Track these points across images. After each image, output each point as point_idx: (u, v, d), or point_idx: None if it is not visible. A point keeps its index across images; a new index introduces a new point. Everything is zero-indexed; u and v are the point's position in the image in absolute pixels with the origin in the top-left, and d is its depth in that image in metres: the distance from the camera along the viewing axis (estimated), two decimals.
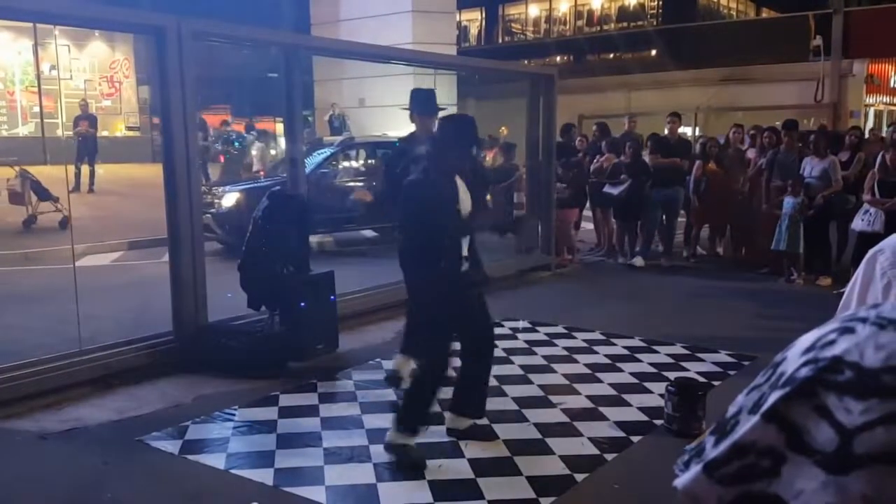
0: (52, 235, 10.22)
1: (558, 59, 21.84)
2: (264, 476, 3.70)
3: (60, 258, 8.21)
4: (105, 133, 18.57)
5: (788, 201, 8.15)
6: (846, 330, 0.56)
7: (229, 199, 9.74)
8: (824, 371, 0.54)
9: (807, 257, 8.32)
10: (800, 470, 0.52)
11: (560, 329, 6.41)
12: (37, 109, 19.00)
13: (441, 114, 5.07)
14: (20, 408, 4.51)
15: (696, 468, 0.57)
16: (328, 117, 17.07)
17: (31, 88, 19.75)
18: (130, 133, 21.82)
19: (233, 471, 3.78)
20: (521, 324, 6.59)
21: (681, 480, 0.58)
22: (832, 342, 0.56)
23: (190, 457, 3.95)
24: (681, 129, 10.40)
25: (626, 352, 5.81)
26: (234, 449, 4.04)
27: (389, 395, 4.83)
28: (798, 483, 0.52)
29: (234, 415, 4.52)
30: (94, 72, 21.40)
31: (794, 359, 0.57)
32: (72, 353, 5.02)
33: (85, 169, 14.15)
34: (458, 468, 3.78)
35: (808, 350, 0.57)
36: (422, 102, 5.27)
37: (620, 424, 4.34)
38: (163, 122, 5.52)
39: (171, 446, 4.07)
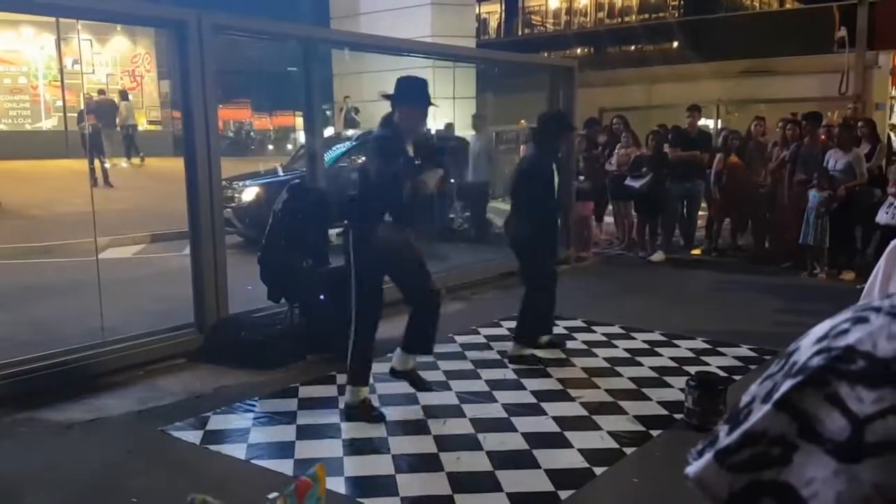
0: (74, 229, 10.34)
1: (578, 51, 21.71)
2: (284, 466, 3.74)
3: (83, 251, 8.30)
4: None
5: (814, 195, 8.06)
6: (859, 319, 0.56)
7: (249, 193, 9.81)
8: (837, 360, 0.54)
9: (830, 251, 8.24)
10: (811, 458, 0.52)
11: (579, 323, 6.39)
12: (60, 104, 19.21)
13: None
14: (46, 398, 4.58)
15: (707, 456, 0.58)
16: (343, 111, 17.13)
17: (55, 83, 19.96)
18: (152, 127, 22.00)
19: (253, 461, 3.83)
20: None
21: (692, 468, 0.59)
22: (845, 331, 0.56)
23: (211, 447, 3.99)
24: (702, 122, 10.30)
25: (645, 346, 5.78)
26: (254, 439, 4.08)
27: (407, 387, 4.85)
28: (809, 471, 0.52)
29: (254, 406, 4.56)
30: (116, 66, 21.59)
31: (806, 348, 0.58)
32: (95, 344, 5.10)
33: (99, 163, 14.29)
34: (476, 461, 3.80)
35: (820, 339, 0.57)
36: (411, 91, 4.36)
37: (640, 418, 4.33)
38: (184, 115, 5.57)
39: (193, 436, 4.12)
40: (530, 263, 5.46)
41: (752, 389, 0.59)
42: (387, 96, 4.27)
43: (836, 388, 0.53)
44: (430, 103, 4.34)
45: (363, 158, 4.52)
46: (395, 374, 4.64)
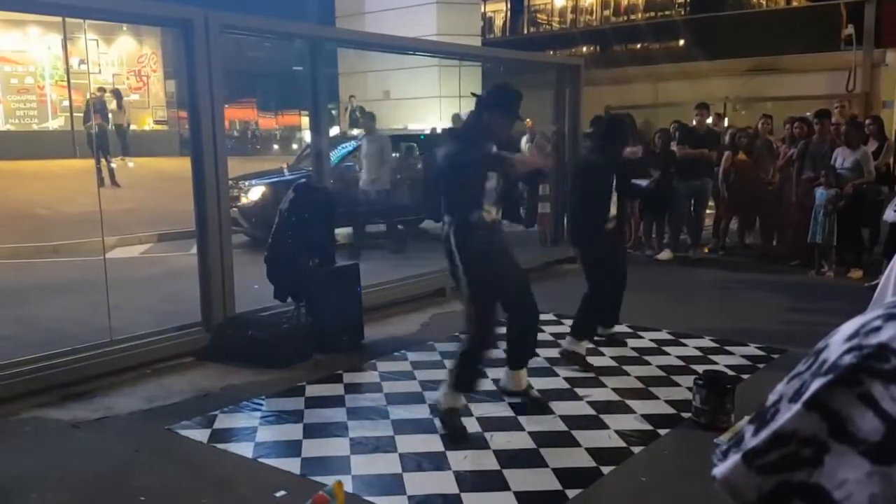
0: (82, 228, 10.37)
1: (584, 49, 21.67)
2: (291, 465, 3.73)
3: (91, 250, 8.32)
4: (133, 127, 18.79)
5: (821, 193, 8.02)
6: (892, 317, 0.55)
7: (255, 192, 9.81)
8: (869, 358, 0.53)
9: (838, 250, 8.20)
10: (843, 459, 0.51)
11: None
12: (66, 104, 19.25)
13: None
14: (53, 397, 4.59)
15: (734, 457, 0.56)
16: (348, 111, 17.14)
17: (61, 83, 20.01)
18: (158, 127, 22.04)
19: (260, 459, 3.82)
20: (547, 316, 6.56)
21: (719, 470, 0.57)
22: (877, 329, 0.54)
23: (218, 445, 3.99)
24: (708, 120, 10.27)
25: (653, 345, 5.76)
26: (261, 438, 4.07)
27: (414, 385, 4.85)
28: (841, 473, 0.51)
29: (261, 404, 4.56)
30: (123, 66, 21.63)
31: (836, 346, 0.56)
32: (103, 343, 5.10)
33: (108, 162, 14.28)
34: (484, 459, 3.78)
35: (851, 337, 0.56)
36: (503, 100, 4.23)
37: (648, 417, 4.31)
38: (190, 115, 5.57)
39: (200, 435, 4.11)
40: (591, 260, 5.35)
41: (779, 388, 0.58)
42: (475, 96, 4.26)
43: (869, 388, 0.51)
44: (518, 116, 4.30)
45: (441, 150, 4.37)
46: (507, 394, 4.53)
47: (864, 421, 0.51)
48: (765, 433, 0.55)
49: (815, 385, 0.54)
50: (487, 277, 4.03)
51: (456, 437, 4.02)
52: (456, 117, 11.06)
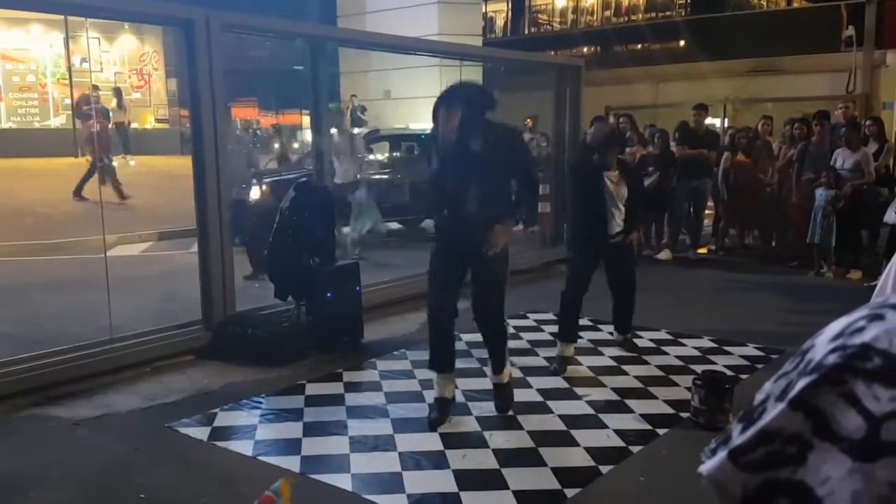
0: (83, 226, 10.37)
1: (585, 50, 21.65)
2: (291, 463, 3.74)
3: (91, 248, 8.33)
4: (135, 125, 18.77)
5: (821, 194, 8.03)
6: (876, 317, 0.56)
7: (256, 191, 9.81)
8: (852, 358, 0.54)
9: (837, 250, 8.21)
10: (826, 457, 0.52)
11: (585, 321, 6.36)
12: (68, 102, 19.22)
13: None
14: (53, 394, 4.61)
15: (721, 455, 0.57)
16: (349, 110, 17.13)
17: (63, 81, 19.99)
18: (159, 125, 22.03)
19: (260, 457, 3.84)
20: (546, 316, 6.58)
21: (705, 467, 0.58)
22: (861, 329, 0.55)
23: (218, 443, 4.01)
24: (709, 121, 10.28)
25: (652, 344, 5.77)
26: (261, 436, 4.09)
27: (414, 384, 4.86)
28: (824, 470, 0.52)
29: (261, 402, 4.57)
30: (124, 64, 21.62)
31: (822, 346, 0.57)
32: (103, 340, 5.12)
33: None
34: (482, 458, 3.80)
35: (836, 337, 0.57)
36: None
37: (646, 417, 4.33)
38: (192, 114, 5.58)
39: (200, 433, 4.13)
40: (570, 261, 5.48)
41: (767, 387, 0.59)
42: None
43: (852, 387, 0.53)
44: (444, 106, 4.15)
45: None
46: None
47: (847, 419, 0.52)
48: (751, 431, 0.56)
49: (801, 384, 0.55)
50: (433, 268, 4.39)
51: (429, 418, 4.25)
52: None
